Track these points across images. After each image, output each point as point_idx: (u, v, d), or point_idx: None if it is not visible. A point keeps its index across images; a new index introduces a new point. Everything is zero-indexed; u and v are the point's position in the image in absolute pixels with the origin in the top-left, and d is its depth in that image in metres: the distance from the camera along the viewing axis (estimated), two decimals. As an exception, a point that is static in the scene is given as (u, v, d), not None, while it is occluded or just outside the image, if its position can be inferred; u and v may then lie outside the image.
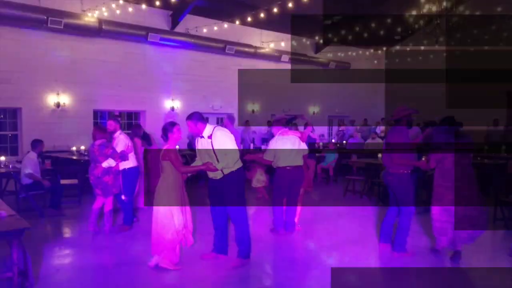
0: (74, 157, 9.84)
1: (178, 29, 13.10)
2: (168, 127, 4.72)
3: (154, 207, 4.71)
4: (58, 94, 11.20)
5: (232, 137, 4.71)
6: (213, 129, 4.68)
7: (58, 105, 11.19)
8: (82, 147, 10.34)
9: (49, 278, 4.52)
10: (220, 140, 4.62)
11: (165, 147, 4.67)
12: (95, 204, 6.22)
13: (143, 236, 6.21)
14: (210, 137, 4.64)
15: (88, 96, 11.72)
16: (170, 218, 4.62)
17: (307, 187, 6.71)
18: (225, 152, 4.60)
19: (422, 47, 16.25)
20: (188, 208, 4.87)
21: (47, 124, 10.91)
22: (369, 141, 13.51)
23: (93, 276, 4.65)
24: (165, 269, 4.68)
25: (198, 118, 4.71)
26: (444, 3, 10.85)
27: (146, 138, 7.85)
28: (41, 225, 6.84)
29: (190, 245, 4.95)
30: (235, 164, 4.70)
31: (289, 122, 7.04)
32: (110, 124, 6.53)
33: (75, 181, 8.43)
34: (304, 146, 6.35)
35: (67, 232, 6.63)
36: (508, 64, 16.05)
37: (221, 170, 4.63)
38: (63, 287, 4.37)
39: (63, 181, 8.10)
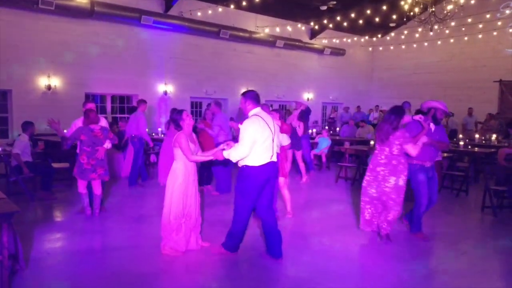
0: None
1: (172, 12, 12.93)
2: (177, 117, 4.75)
3: (166, 191, 4.80)
4: (49, 76, 11.06)
5: (256, 130, 4.35)
6: (251, 115, 4.48)
7: (49, 87, 11.06)
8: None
9: (40, 262, 4.52)
10: (242, 127, 4.41)
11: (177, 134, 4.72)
12: (96, 189, 6.22)
13: (135, 220, 6.24)
14: (241, 122, 4.51)
15: (80, 79, 11.58)
16: (176, 202, 4.69)
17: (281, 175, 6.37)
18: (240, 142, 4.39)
19: (417, 35, 16.22)
20: (197, 198, 4.89)
21: (37, 107, 10.78)
22: (359, 129, 13.54)
23: (84, 260, 4.65)
24: (210, 254, 4.79)
25: (250, 97, 4.54)
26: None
27: None
28: (31, 208, 6.84)
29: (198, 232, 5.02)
30: (249, 159, 4.39)
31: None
32: (93, 106, 6.51)
33: (66, 164, 8.38)
34: (285, 137, 6.28)
35: (58, 216, 6.61)
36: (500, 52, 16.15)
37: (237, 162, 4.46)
38: (54, 271, 4.37)
39: (54, 165, 8.04)
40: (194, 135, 4.95)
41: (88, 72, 11.71)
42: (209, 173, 8.33)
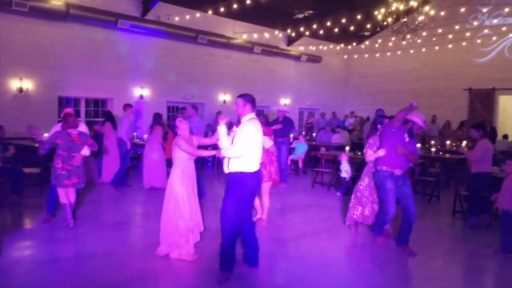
0: (37, 145, 9.53)
1: (149, 16, 12.86)
2: (175, 124, 5.09)
3: (165, 196, 4.88)
4: (21, 79, 10.82)
5: (254, 134, 4.29)
6: (248, 120, 4.37)
7: (20, 90, 10.81)
8: (46, 135, 10.02)
9: (8, 271, 4.40)
10: (242, 129, 4.28)
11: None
12: (70, 197, 6.02)
13: (107, 227, 6.15)
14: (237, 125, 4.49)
15: (53, 82, 11.37)
16: (180, 206, 4.77)
17: (275, 182, 6.53)
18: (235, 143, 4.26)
19: (390, 43, 16.61)
20: (196, 202, 5.01)
21: (8, 110, 10.50)
22: (335, 135, 13.67)
23: (54, 268, 4.56)
24: (183, 261, 4.77)
25: (250, 101, 4.42)
26: (411, 2, 11.09)
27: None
28: (0, 214, 6.64)
29: (196, 242, 5.06)
30: (245, 165, 4.26)
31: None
32: (71, 111, 6.45)
33: (37, 169, 8.20)
34: (266, 140, 6.28)
35: (28, 223, 6.44)
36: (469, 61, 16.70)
37: (227, 166, 4.32)
38: (23, 280, 4.25)
39: (25, 170, 7.83)
40: (193, 137, 5.12)
41: (62, 75, 11.51)
42: None
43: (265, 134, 6.16)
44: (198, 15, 13.19)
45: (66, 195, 5.98)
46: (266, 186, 6.32)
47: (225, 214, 4.28)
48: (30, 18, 10.71)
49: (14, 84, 10.76)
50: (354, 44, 18.97)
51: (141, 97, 13.28)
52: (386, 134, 5.40)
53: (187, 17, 13.24)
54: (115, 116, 10.03)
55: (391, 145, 5.28)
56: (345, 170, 8.50)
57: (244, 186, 4.28)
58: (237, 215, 4.30)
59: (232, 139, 4.35)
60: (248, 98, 4.43)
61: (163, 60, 13.77)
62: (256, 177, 4.36)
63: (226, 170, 4.39)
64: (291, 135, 11.71)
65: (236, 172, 4.28)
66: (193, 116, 8.31)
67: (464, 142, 12.32)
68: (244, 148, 4.20)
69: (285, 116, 9.89)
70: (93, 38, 12.04)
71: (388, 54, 18.18)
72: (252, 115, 4.42)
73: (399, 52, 17.78)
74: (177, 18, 13.24)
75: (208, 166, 12.32)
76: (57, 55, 11.38)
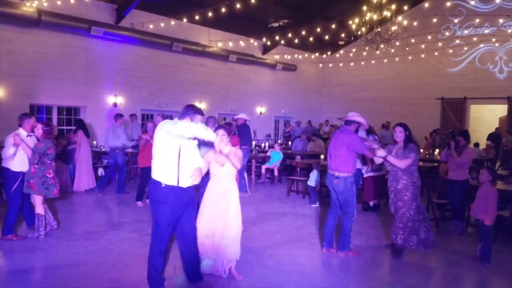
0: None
1: (123, 23, 12.74)
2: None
3: (232, 213, 4.67)
4: (-10, 86, 10.54)
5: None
6: None
7: (-10, 98, 10.52)
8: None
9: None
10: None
11: None
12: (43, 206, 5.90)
13: (81, 236, 6.01)
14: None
15: (25, 89, 11.10)
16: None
17: None
18: None
19: (364, 53, 16.89)
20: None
21: (-23, 118, 10.22)
22: (311, 143, 13.76)
23: (23, 279, 4.42)
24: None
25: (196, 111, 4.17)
26: (384, 13, 11.32)
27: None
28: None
29: None
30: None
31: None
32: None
33: None
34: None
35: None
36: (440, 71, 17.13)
37: None
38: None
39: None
40: None
41: (34, 82, 11.26)
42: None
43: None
44: (173, 22, 13.14)
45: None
46: None
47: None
48: (1, 24, 10.46)
49: (-17, 91, 10.47)
50: (329, 53, 19.24)
51: (115, 105, 13.09)
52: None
53: (162, 24, 13.18)
54: (87, 124, 9.90)
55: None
56: (315, 179, 8.64)
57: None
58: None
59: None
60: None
61: (137, 67, 13.64)
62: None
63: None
64: (266, 143, 11.72)
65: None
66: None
67: (437, 150, 12.61)
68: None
69: (242, 124, 9.85)
70: (66, 45, 11.85)
71: (363, 63, 18.49)
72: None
73: (373, 62, 18.10)
74: (151, 26, 13.16)
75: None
76: (28, 62, 11.14)
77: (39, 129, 5.85)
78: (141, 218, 7.15)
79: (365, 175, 7.93)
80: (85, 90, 12.36)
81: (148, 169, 8.03)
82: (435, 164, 10.27)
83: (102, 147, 11.30)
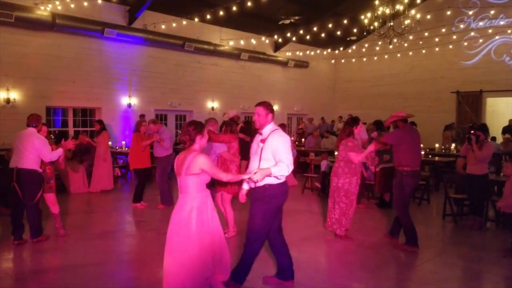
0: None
1: (136, 25, 12.83)
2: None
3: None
4: (8, 89, 10.69)
5: (288, 146, 3.99)
6: (272, 131, 4.03)
7: (8, 101, 10.68)
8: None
9: (-2, 284, 4.34)
10: (283, 141, 3.94)
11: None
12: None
13: (96, 237, 6.09)
14: (263, 140, 4.01)
15: (41, 92, 11.25)
16: None
17: (234, 193, 5.73)
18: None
19: (377, 48, 16.73)
20: None
21: (-4, 121, 10.40)
22: (324, 140, 13.72)
23: (42, 279, 4.49)
24: None
25: (271, 109, 4.10)
26: (397, 6, 11.18)
27: None
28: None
29: None
30: (269, 177, 3.86)
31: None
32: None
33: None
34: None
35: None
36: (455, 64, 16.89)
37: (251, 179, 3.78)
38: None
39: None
40: None
41: (49, 85, 11.41)
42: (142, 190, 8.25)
43: (226, 141, 5.84)
44: (184, 22, 13.19)
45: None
46: (228, 196, 5.90)
47: (254, 229, 4.10)
48: (16, 28, 10.61)
49: (1, 95, 10.64)
50: (341, 48, 19.10)
51: (129, 106, 13.20)
52: None
53: (174, 25, 13.24)
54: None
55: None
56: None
57: (271, 200, 4.03)
58: (264, 230, 4.16)
59: (261, 154, 4.00)
60: (268, 106, 4.09)
61: (150, 68, 13.73)
62: (284, 188, 4.10)
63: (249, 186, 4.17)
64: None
65: (265, 185, 3.95)
66: (160, 127, 8.11)
67: (453, 145, 12.47)
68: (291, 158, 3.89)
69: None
70: (80, 47, 11.98)
71: (375, 58, 18.32)
72: (274, 124, 4.13)
73: (386, 56, 17.93)
74: (163, 26, 13.23)
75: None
76: (44, 65, 11.28)
77: (44, 131, 6.17)
78: (158, 218, 7.21)
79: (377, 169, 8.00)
80: (99, 91, 12.50)
81: (143, 171, 8.10)
82: (451, 159, 10.15)
83: (117, 148, 11.43)
